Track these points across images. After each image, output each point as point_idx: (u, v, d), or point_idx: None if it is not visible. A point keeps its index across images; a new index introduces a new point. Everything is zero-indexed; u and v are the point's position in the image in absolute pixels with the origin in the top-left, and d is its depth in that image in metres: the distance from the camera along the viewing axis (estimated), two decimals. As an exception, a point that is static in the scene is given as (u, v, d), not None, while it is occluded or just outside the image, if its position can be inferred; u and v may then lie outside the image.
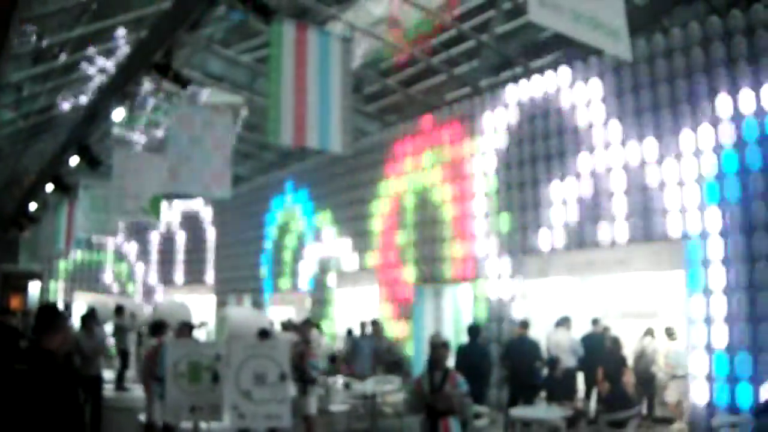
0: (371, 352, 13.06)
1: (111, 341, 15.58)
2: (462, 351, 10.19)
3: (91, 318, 11.05)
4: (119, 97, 11.55)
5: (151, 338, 10.49)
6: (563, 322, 11.25)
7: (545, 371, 10.21)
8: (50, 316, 4.14)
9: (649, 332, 11.19)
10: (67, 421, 3.76)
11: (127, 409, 11.73)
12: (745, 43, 9.57)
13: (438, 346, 6.96)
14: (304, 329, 10.61)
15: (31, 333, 5.79)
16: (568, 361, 10.59)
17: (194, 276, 24.65)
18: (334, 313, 17.43)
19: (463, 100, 14.38)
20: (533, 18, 5.03)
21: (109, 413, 10.38)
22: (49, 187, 16.27)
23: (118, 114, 12.01)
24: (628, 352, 10.80)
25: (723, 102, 9.71)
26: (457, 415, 6.46)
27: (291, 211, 19.84)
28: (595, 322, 11.33)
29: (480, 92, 13.98)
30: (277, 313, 18.55)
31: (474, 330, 10.48)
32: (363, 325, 14.16)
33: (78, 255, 25.63)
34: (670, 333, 10.83)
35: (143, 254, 25.92)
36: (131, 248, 26.07)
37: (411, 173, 15.24)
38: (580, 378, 11.09)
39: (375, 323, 13.72)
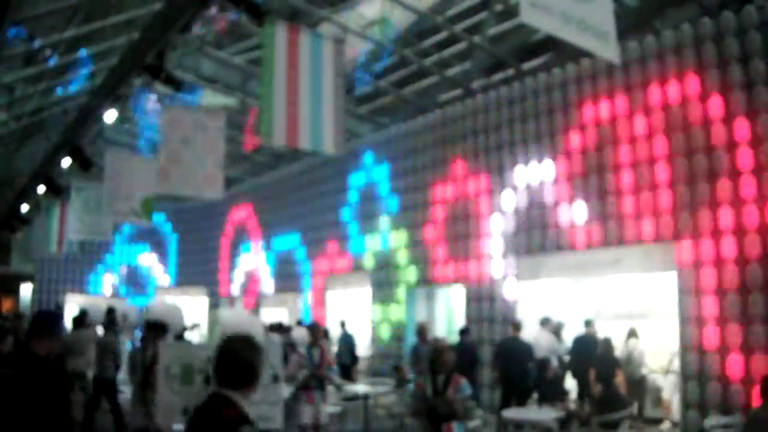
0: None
1: None
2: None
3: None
4: (111, 98, 11.51)
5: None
6: (545, 323, 11.32)
7: (535, 372, 10.22)
8: (48, 321, 4.18)
9: (633, 333, 11.19)
10: (55, 424, 3.74)
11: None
12: (737, 45, 9.61)
13: (443, 349, 6.71)
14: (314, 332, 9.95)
15: (23, 336, 5.76)
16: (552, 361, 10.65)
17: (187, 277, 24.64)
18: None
19: (455, 101, 14.42)
20: (524, 19, 5.04)
21: (100, 415, 10.33)
22: (41, 189, 16.19)
23: (110, 115, 11.97)
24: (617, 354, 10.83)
25: (714, 104, 9.75)
26: (462, 420, 6.31)
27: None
28: (587, 323, 11.32)
29: (472, 94, 14.00)
30: (269, 315, 18.51)
31: (464, 330, 10.57)
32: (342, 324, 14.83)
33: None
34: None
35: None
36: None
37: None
38: (569, 379, 11.12)
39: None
